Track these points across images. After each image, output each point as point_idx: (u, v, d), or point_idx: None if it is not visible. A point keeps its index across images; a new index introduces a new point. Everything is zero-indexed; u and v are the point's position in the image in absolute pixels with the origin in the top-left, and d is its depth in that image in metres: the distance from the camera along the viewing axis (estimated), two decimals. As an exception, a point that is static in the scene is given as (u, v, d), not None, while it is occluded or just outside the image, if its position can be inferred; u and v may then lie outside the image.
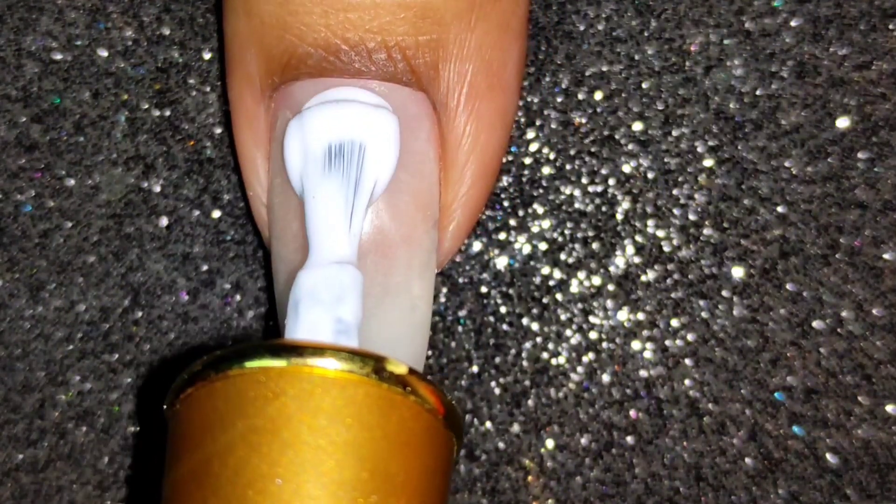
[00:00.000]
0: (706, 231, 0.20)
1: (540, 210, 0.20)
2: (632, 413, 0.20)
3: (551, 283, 0.20)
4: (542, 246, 0.20)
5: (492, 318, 0.20)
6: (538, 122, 0.20)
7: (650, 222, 0.20)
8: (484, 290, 0.20)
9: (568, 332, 0.20)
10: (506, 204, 0.20)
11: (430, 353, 0.20)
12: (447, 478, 0.14)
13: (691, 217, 0.20)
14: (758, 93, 0.20)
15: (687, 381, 0.20)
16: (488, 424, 0.20)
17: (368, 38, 0.16)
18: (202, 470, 0.13)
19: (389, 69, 0.16)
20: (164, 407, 0.15)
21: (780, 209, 0.20)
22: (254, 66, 0.17)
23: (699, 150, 0.20)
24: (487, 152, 0.17)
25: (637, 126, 0.20)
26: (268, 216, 0.18)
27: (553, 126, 0.20)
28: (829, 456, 0.19)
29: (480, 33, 0.17)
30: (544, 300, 0.20)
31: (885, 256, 0.20)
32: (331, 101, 0.16)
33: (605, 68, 0.20)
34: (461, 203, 0.17)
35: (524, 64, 0.18)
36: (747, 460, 0.20)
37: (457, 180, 0.17)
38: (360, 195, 0.16)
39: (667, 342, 0.20)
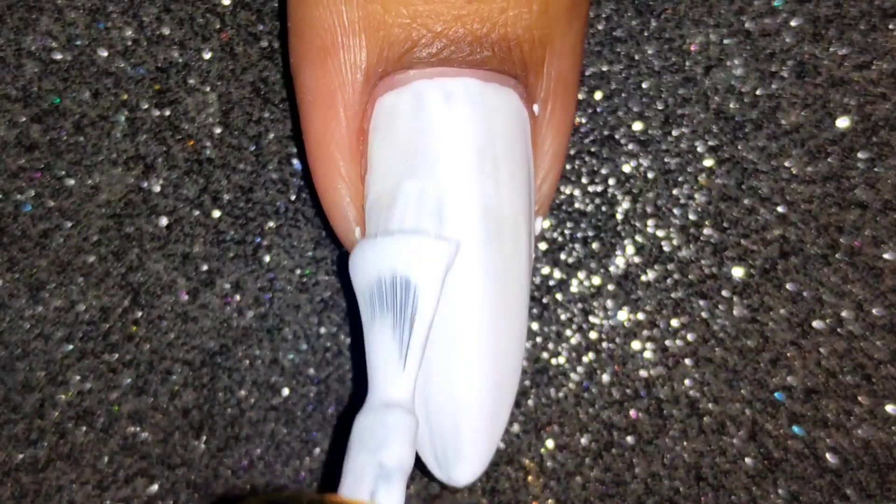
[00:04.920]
0: (706, 231, 0.20)
1: (540, 210, 0.20)
2: (632, 413, 0.20)
3: (551, 283, 0.20)
4: (542, 246, 0.20)
5: (492, 318, 0.20)
6: (538, 122, 0.20)
7: (650, 222, 0.20)
8: (484, 290, 0.20)
9: (568, 332, 0.20)
10: (506, 204, 0.20)
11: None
12: None
13: (691, 217, 0.20)
14: (758, 93, 0.20)
15: (687, 381, 0.20)
16: (488, 424, 0.20)
17: (495, 29, 0.16)
18: None
19: (506, 61, 0.16)
20: None
21: (780, 209, 0.20)
22: (362, 53, 0.17)
23: (699, 150, 0.20)
24: (565, 147, 0.18)
25: (637, 126, 0.20)
26: (366, 201, 0.17)
27: (553, 126, 0.20)
28: (829, 456, 0.19)
29: (576, 32, 0.17)
30: (544, 300, 0.20)
31: (885, 256, 0.20)
32: (378, 233, 0.16)
33: (605, 68, 0.20)
34: (542, 196, 0.18)
35: None
36: (747, 460, 0.19)
37: (541, 178, 0.17)
38: (415, 332, 0.15)
39: (667, 342, 0.20)
